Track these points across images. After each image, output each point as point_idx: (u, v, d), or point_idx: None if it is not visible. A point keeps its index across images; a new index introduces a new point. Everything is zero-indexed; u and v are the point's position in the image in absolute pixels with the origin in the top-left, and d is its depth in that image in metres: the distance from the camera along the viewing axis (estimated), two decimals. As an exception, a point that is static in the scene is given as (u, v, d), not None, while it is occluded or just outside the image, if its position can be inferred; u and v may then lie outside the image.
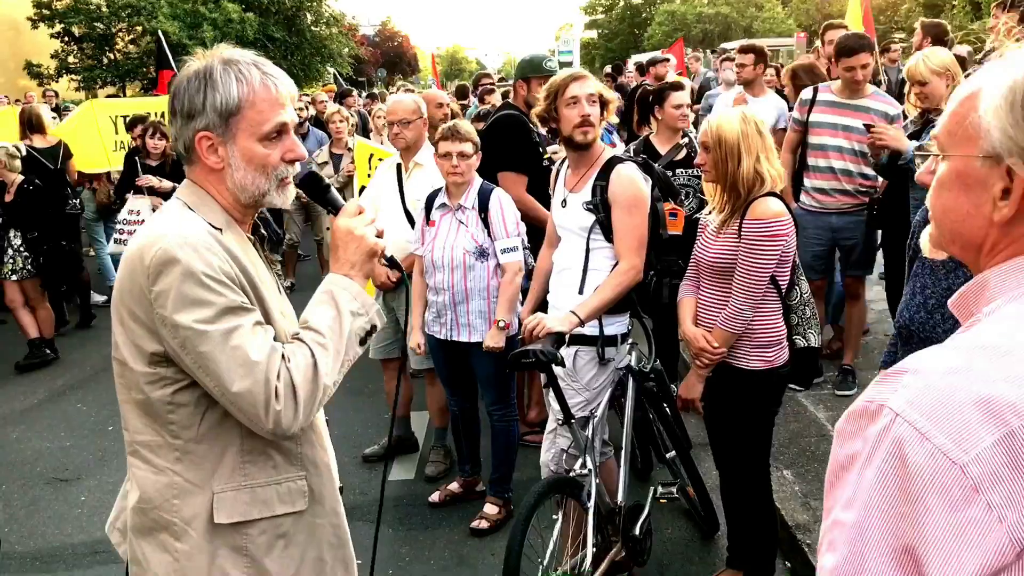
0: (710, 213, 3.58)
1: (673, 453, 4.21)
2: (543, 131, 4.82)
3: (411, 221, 4.91)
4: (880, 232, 5.58)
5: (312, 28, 34.55)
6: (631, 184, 3.61)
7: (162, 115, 8.75)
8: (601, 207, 3.63)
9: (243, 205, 2.01)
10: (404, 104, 5.02)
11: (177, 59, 14.09)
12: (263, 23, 31.30)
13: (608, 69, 16.48)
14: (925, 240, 1.27)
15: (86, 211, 9.10)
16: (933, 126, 4.55)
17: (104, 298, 9.45)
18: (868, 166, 5.20)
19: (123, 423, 1.99)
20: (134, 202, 8.04)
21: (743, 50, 6.99)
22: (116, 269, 8.10)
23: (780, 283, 3.40)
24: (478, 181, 4.43)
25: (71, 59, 30.36)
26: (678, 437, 4.15)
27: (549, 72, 4.96)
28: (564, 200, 3.80)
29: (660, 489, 3.93)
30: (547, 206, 4.74)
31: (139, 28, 29.68)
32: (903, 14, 34.50)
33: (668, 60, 10.71)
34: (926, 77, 4.59)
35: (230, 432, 1.93)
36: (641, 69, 12.82)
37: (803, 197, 5.50)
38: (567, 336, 3.57)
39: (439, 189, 4.51)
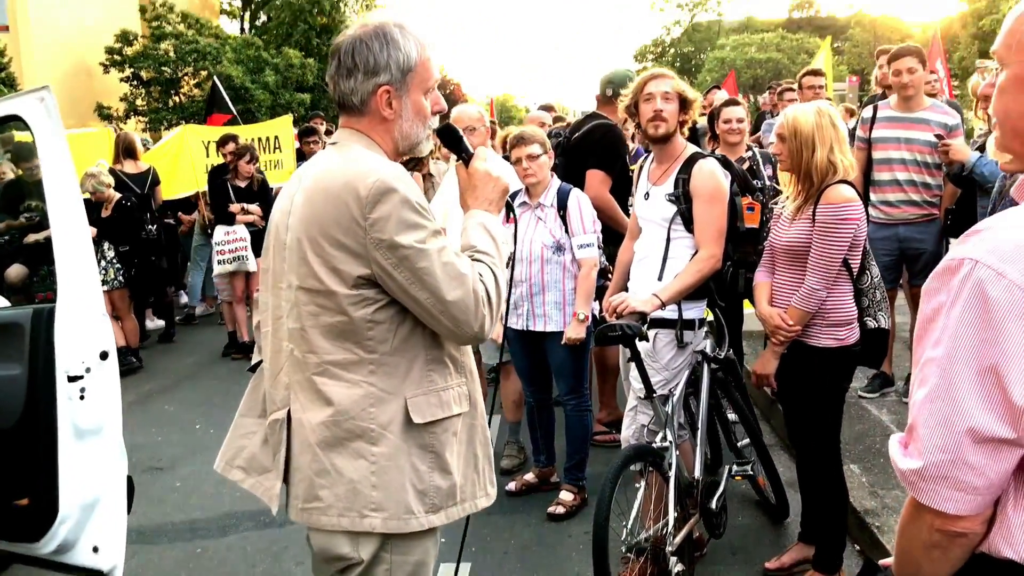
0: (784, 203, 3.82)
1: (747, 441, 4.41)
2: (637, 145, 5.18)
3: None
4: (951, 241, 5.74)
5: (369, 74, 35.45)
6: (712, 177, 3.87)
7: (252, 140, 9.20)
8: (683, 199, 3.89)
9: (398, 152, 2.31)
10: (469, 112, 5.41)
11: (236, 104, 14.71)
12: (323, 68, 32.12)
13: None
14: (991, 145, 1.50)
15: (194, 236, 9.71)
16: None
17: (180, 317, 9.93)
18: (931, 176, 5.39)
19: (306, 347, 2.16)
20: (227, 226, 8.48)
21: (812, 73, 7.27)
22: (205, 290, 8.46)
23: (852, 266, 3.61)
24: (556, 182, 4.72)
25: (139, 102, 31.49)
26: (751, 425, 4.34)
27: None
28: (647, 193, 4.06)
29: (735, 468, 4.12)
30: (626, 211, 5.14)
31: (204, 72, 30.72)
32: (956, 60, 34.39)
33: (717, 88, 11.10)
34: (989, 92, 4.79)
35: (416, 345, 2.18)
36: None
37: (870, 211, 5.69)
38: (648, 318, 3.81)
39: (520, 190, 4.80)
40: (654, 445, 3.75)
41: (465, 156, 2.40)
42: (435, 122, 2.34)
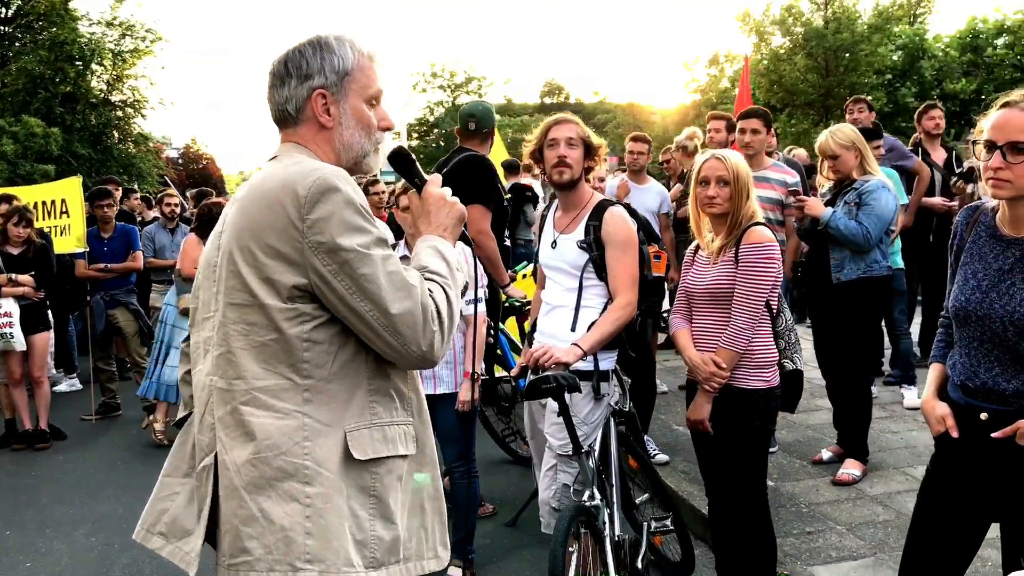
0: (693, 248, 3.83)
1: (645, 496, 4.30)
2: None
3: None
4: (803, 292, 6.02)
5: (119, 146, 33.46)
6: (624, 224, 3.78)
7: (34, 203, 8.17)
8: (594, 245, 3.78)
9: (342, 166, 2.10)
10: None
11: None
12: (67, 139, 30.03)
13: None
14: None
15: None
16: (847, 192, 5.08)
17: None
18: (774, 231, 5.63)
19: (233, 373, 1.93)
20: None
21: (636, 139, 7.42)
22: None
23: (772, 306, 3.64)
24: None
25: None
26: (657, 479, 4.23)
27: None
28: (554, 241, 3.91)
29: (654, 524, 3.98)
30: (501, 242, 5.07)
31: (-72, 140, 27.71)
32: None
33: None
34: (836, 151, 5.11)
35: (359, 371, 1.97)
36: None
37: None
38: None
39: (397, 243, 4.51)
40: (585, 504, 3.54)
41: (418, 182, 2.25)
42: (383, 139, 2.18)
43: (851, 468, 5.18)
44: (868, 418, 5.33)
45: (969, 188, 7.32)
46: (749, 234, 3.57)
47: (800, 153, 10.24)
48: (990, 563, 3.91)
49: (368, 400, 1.98)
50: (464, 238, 2.36)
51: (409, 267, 1.99)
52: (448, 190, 2.25)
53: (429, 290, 1.97)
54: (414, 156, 2.29)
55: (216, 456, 1.95)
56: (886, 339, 7.16)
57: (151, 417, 7.37)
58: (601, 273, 3.79)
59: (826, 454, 5.52)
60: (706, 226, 3.74)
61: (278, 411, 1.89)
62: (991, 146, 2.45)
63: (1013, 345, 2.43)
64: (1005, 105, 2.46)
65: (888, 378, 7.32)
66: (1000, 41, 25.03)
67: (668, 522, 3.97)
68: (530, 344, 4.05)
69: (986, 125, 2.48)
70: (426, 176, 2.27)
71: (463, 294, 2.17)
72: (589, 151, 3.86)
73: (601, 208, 3.82)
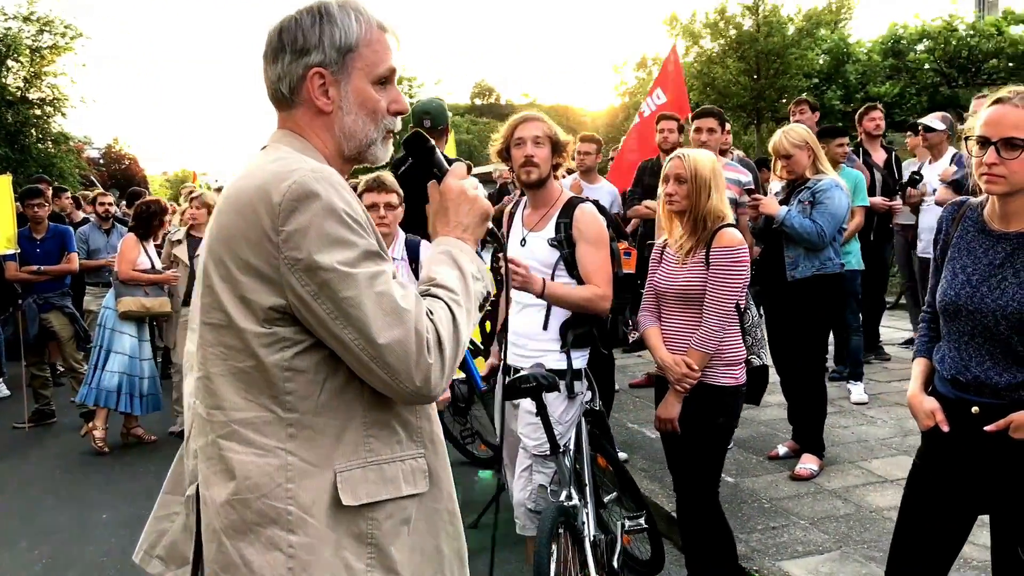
0: (662, 246, 3.82)
1: (613, 495, 4.28)
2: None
3: None
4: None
5: (37, 145, 32.41)
6: (596, 221, 3.76)
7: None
8: (566, 243, 3.74)
9: (345, 159, 1.88)
10: None
11: None
12: (-8, 137, 29.03)
13: None
14: None
15: None
16: (801, 191, 5.13)
17: None
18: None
19: (211, 401, 1.72)
20: None
21: (585, 139, 7.43)
22: None
23: (740, 306, 3.65)
24: (402, 234, 4.41)
25: None
26: (627, 477, 4.22)
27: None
28: (523, 239, 3.87)
29: (628, 523, 3.96)
30: None
31: None
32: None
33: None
34: (789, 151, 5.15)
35: (352, 403, 1.73)
36: None
37: None
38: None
39: None
40: (564, 504, 3.50)
41: (437, 172, 1.98)
42: (395, 124, 1.91)
43: (808, 463, 5.25)
44: (823, 413, 5.42)
45: (919, 188, 7.48)
46: (719, 236, 3.57)
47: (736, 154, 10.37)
48: (961, 558, 3.97)
49: (363, 435, 1.74)
50: (494, 236, 2.10)
51: (407, 284, 1.72)
52: (472, 181, 1.97)
53: (429, 311, 1.71)
54: (433, 142, 2.04)
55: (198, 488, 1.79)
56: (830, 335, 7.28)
57: (90, 424, 7.10)
58: (572, 271, 3.76)
59: (782, 449, 5.58)
60: (674, 223, 3.73)
61: (259, 447, 1.67)
62: (984, 142, 2.47)
63: (1005, 339, 2.47)
64: (998, 101, 2.48)
65: (832, 374, 7.45)
66: (920, 46, 25.76)
67: (641, 520, 3.95)
68: (499, 345, 4.00)
69: (978, 121, 2.51)
70: (447, 166, 1.99)
71: (483, 307, 1.91)
72: (556, 148, 3.82)
73: (571, 205, 3.79)
